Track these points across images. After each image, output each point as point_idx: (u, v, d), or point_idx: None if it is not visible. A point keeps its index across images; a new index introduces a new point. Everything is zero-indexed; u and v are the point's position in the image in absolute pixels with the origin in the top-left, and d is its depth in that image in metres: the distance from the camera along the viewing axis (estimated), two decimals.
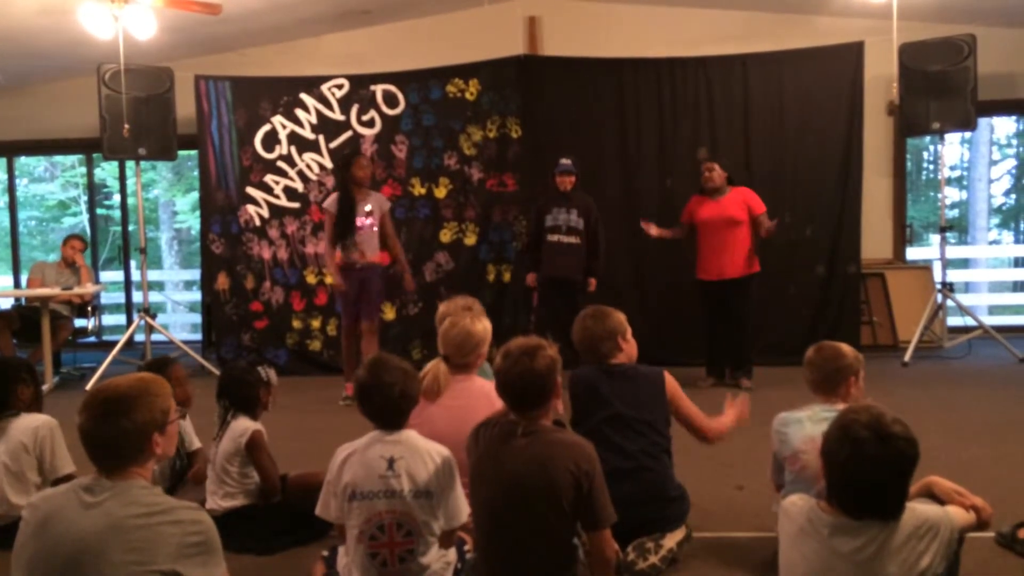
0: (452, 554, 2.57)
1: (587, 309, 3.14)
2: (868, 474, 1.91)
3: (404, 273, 5.94)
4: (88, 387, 5.79)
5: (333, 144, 6.92)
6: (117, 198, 9.93)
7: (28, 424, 3.11)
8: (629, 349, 3.09)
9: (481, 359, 3.12)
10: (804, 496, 2.13)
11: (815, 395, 2.82)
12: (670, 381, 3.05)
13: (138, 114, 6.62)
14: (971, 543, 2.23)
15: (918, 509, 2.00)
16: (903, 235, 7.53)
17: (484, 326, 3.09)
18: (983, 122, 10.12)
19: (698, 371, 5.99)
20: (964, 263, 12.13)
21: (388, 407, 2.47)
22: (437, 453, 2.46)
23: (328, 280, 6.87)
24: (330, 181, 6.91)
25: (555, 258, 5.86)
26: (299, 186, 6.95)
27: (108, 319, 9.25)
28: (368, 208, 5.59)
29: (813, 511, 2.03)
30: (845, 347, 2.84)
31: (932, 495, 2.26)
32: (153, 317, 7.00)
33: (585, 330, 3.07)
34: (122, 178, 8.64)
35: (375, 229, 5.62)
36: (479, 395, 2.97)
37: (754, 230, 5.73)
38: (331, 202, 5.66)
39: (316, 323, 6.95)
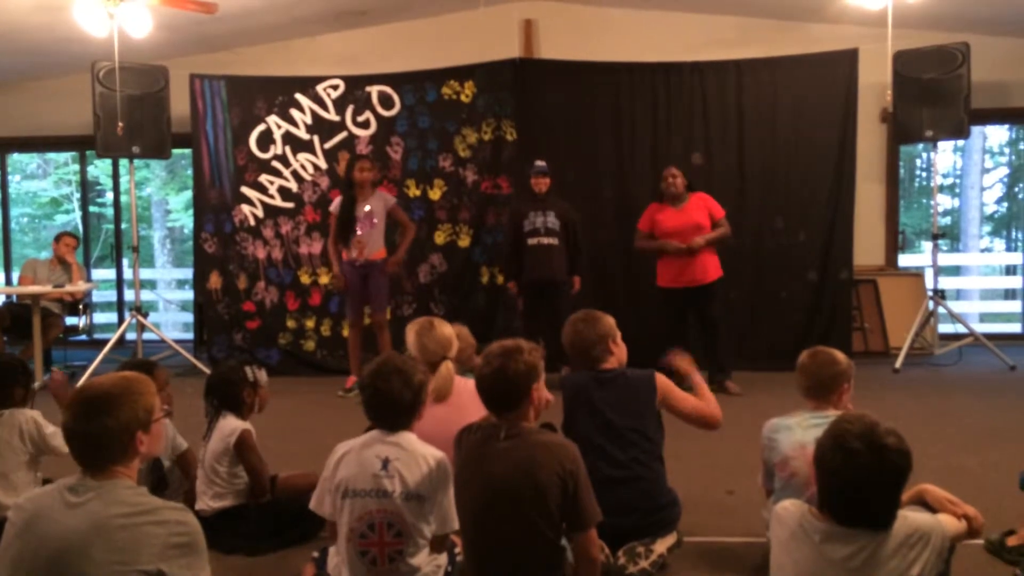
0: (443, 557, 2.56)
1: (577, 313, 3.13)
2: (859, 485, 1.91)
3: (396, 254, 6.10)
4: (78, 385, 5.77)
5: (328, 145, 6.91)
6: (110, 196, 9.91)
7: (12, 422, 3.11)
8: (619, 352, 3.09)
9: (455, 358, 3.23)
10: (796, 502, 2.13)
11: (806, 400, 2.82)
12: (661, 382, 3.04)
13: (132, 112, 6.59)
14: (960, 550, 2.23)
15: (910, 517, 2.00)
16: (895, 242, 7.56)
17: (449, 330, 3.25)
18: (976, 130, 10.19)
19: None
20: (956, 270, 12.17)
21: (384, 408, 2.48)
22: (432, 457, 2.46)
23: (323, 280, 6.88)
24: (325, 182, 6.91)
25: (537, 261, 5.90)
26: (293, 186, 6.94)
27: (99, 317, 9.23)
28: (368, 208, 5.88)
29: (805, 517, 2.03)
30: (839, 354, 2.84)
31: (924, 503, 2.26)
32: (145, 316, 6.97)
33: (576, 334, 3.05)
34: (115, 176, 8.62)
35: (375, 227, 5.92)
36: (462, 391, 3.04)
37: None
38: (335, 204, 6.04)
39: (310, 323, 6.94)
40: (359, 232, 5.86)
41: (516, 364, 2.37)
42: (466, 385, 3.05)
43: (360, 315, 6.09)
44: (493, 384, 2.39)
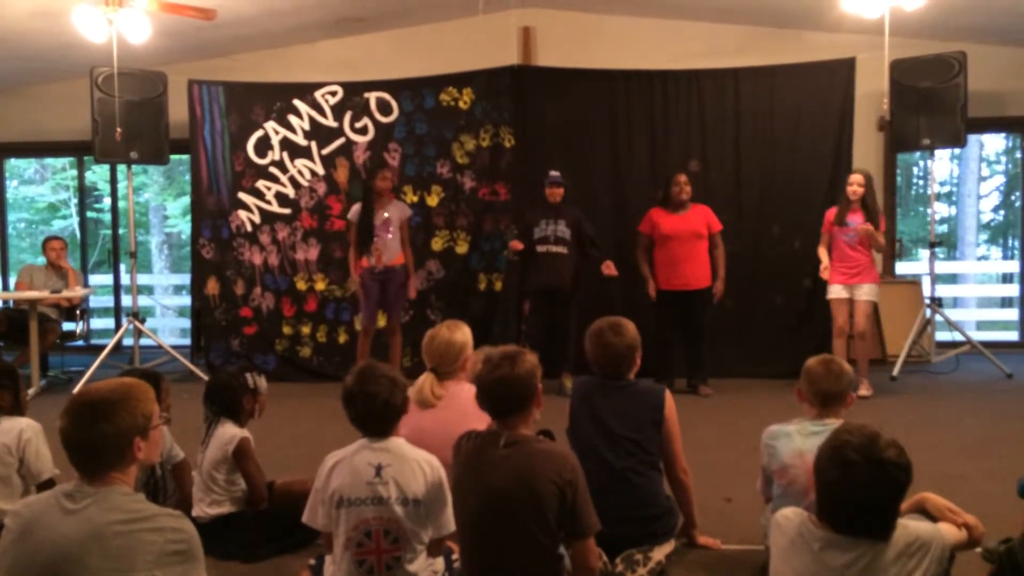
0: (440, 563, 2.56)
1: (602, 322, 3.06)
2: (857, 497, 1.91)
3: (409, 279, 6.16)
4: (75, 391, 5.76)
5: (325, 151, 6.90)
6: (108, 201, 9.90)
7: (11, 427, 3.08)
8: (639, 361, 3.08)
9: (468, 363, 3.16)
10: (796, 509, 2.13)
11: (811, 407, 2.78)
12: (670, 405, 3.03)
13: (130, 117, 6.60)
14: (957, 558, 2.23)
15: (910, 526, 2.00)
16: (892, 249, 7.56)
17: (464, 334, 3.17)
18: (973, 139, 10.19)
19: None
20: (953, 278, 12.18)
21: (371, 415, 2.47)
22: (426, 462, 2.46)
23: (319, 286, 6.87)
24: (322, 188, 6.91)
25: (545, 269, 5.98)
26: (291, 192, 6.93)
27: (97, 323, 9.21)
28: (387, 215, 5.97)
29: (804, 525, 2.02)
30: (845, 363, 2.85)
31: (924, 511, 2.26)
32: (142, 321, 6.96)
33: (607, 346, 2.99)
34: (113, 181, 8.60)
35: (392, 235, 5.99)
36: (467, 398, 2.99)
37: (710, 246, 6.05)
38: (354, 212, 6.06)
39: (306, 329, 6.92)
40: (378, 238, 5.93)
41: (520, 367, 2.37)
42: (471, 391, 3.03)
43: (374, 321, 6.14)
44: (499, 388, 2.37)
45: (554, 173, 6.04)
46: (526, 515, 2.27)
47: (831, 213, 5.99)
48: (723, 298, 6.13)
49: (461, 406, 2.97)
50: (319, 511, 2.48)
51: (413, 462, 2.44)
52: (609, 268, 5.92)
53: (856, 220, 5.83)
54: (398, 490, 2.39)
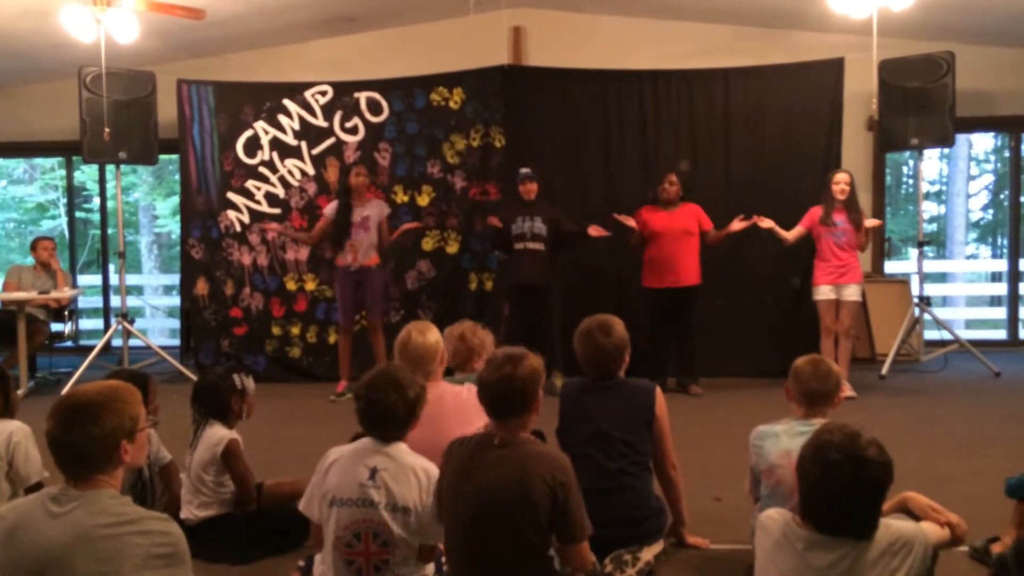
0: (430, 567, 2.56)
1: (591, 321, 3.05)
2: (839, 497, 1.92)
3: (403, 229, 6.29)
4: (63, 392, 5.72)
5: (315, 151, 6.89)
6: (97, 201, 9.84)
7: (0, 429, 3.06)
8: (627, 360, 3.08)
9: (443, 364, 3.17)
10: (781, 510, 2.14)
11: (799, 407, 2.80)
12: (660, 403, 3.03)
13: (119, 117, 6.57)
14: (944, 557, 2.24)
15: (893, 525, 2.01)
16: (881, 249, 7.59)
17: (435, 334, 3.16)
18: (961, 138, 10.24)
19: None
20: (942, 277, 12.22)
21: (373, 420, 2.47)
22: (422, 469, 2.45)
23: (309, 286, 6.85)
24: (312, 187, 6.89)
25: (521, 265, 6.06)
26: (280, 192, 6.91)
27: (85, 323, 9.16)
28: (365, 214, 6.03)
29: (788, 525, 2.03)
30: (833, 363, 2.87)
31: (907, 511, 2.28)
32: (131, 322, 6.93)
33: (597, 346, 2.99)
34: (102, 181, 8.57)
35: (369, 233, 6.04)
36: (447, 396, 3.02)
37: (701, 244, 6.08)
38: (331, 208, 6.17)
39: (296, 330, 6.90)
40: (353, 237, 5.94)
41: (523, 369, 2.37)
42: (451, 390, 3.04)
43: (351, 321, 6.19)
44: (501, 389, 2.36)
45: (524, 170, 6.11)
46: (518, 516, 2.27)
47: (816, 211, 5.99)
48: (712, 298, 6.23)
49: (439, 404, 2.96)
50: (315, 503, 2.48)
51: (409, 469, 2.43)
52: (597, 230, 5.94)
53: (841, 219, 5.84)
54: (389, 496, 2.38)
